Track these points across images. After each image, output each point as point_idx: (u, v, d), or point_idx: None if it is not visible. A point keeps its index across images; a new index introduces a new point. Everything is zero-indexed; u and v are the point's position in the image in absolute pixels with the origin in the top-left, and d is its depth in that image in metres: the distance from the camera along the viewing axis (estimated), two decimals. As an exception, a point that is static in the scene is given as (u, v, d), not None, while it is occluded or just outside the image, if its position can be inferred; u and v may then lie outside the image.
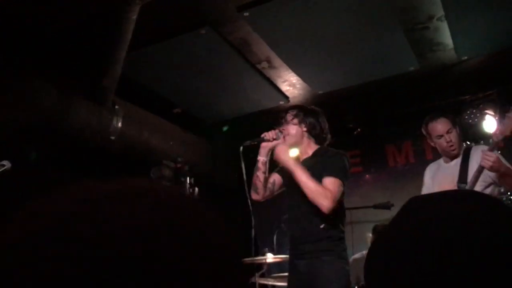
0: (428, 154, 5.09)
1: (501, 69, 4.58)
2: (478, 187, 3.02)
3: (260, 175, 3.08)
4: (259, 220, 6.04)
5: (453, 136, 3.22)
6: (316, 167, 2.94)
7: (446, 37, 3.99)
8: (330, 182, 2.81)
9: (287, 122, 3.12)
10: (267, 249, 4.49)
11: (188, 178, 3.57)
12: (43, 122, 3.51)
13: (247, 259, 4.38)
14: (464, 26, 3.74)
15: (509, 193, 4.19)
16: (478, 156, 3.10)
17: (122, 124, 4.03)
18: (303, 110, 3.16)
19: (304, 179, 2.80)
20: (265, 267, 4.39)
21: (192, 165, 3.96)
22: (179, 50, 3.85)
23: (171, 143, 4.59)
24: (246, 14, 3.36)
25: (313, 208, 2.83)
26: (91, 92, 3.74)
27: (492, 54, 4.33)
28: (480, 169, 2.91)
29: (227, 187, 5.42)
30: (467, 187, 3.05)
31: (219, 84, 4.44)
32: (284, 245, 4.11)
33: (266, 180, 3.09)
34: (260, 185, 3.08)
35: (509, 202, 4.23)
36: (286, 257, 4.13)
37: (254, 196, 3.11)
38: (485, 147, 3.19)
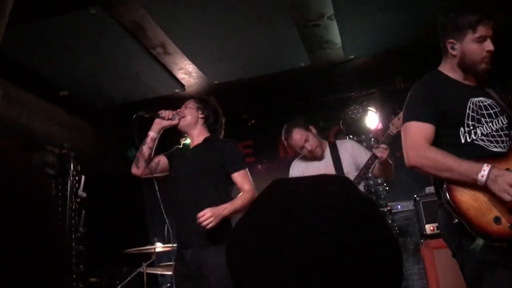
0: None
1: (384, 69, 4.94)
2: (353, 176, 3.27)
3: (146, 150, 3.02)
4: (152, 209, 5.96)
5: (312, 142, 3.47)
6: (211, 154, 2.98)
7: (335, 35, 4.21)
8: (241, 176, 2.95)
9: (185, 107, 3.13)
10: (156, 238, 4.43)
11: (73, 165, 3.37)
12: None
13: (133, 249, 4.28)
14: (352, 26, 3.97)
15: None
16: (347, 147, 3.49)
17: (-1, 104, 3.68)
18: (203, 100, 3.19)
19: (238, 205, 2.86)
20: (153, 257, 4.33)
21: (79, 151, 3.74)
22: (66, 29, 3.60)
23: (56, 127, 4.30)
24: (140, -4, 3.25)
25: (201, 197, 2.85)
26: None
27: (376, 55, 4.65)
28: (373, 160, 3.16)
29: (116, 174, 5.23)
30: (351, 178, 3.27)
31: (110, 68, 4.25)
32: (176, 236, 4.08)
33: (150, 156, 3.04)
34: (142, 160, 3.02)
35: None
36: (175, 246, 4.12)
37: (134, 170, 3.05)
38: (350, 140, 3.54)
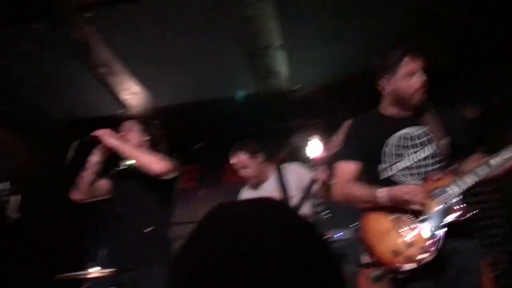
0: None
1: (328, 100, 5.09)
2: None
3: (87, 175, 2.91)
4: (88, 231, 5.72)
5: (250, 171, 3.50)
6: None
7: (282, 65, 4.31)
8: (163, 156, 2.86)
9: (130, 130, 3.05)
10: (91, 263, 4.24)
11: (3, 184, 3.20)
12: None
13: (66, 274, 4.08)
14: (299, 57, 4.08)
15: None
16: (293, 170, 3.52)
17: None
18: (146, 121, 3.13)
19: (135, 151, 2.81)
20: (88, 283, 4.14)
21: (13, 169, 3.57)
22: (9, 42, 3.47)
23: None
24: (88, 14, 3.19)
25: (140, 213, 2.79)
26: None
27: (321, 86, 4.80)
28: (312, 183, 3.19)
29: (52, 193, 5.00)
30: (296, 201, 3.32)
31: (52, 84, 4.11)
32: (111, 258, 3.93)
33: (92, 181, 2.94)
34: (85, 185, 2.90)
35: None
36: (112, 271, 3.96)
37: (75, 196, 2.93)
38: (297, 164, 3.60)
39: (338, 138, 3.07)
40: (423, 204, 2.19)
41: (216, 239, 0.68)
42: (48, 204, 4.98)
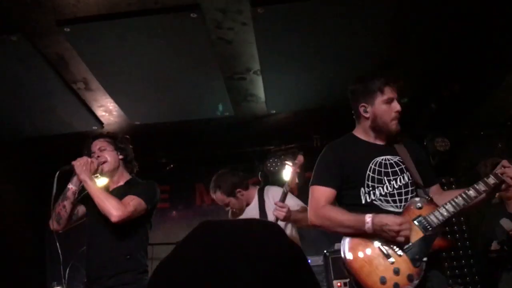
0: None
1: (303, 127, 5.15)
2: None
3: (67, 205, 2.85)
4: (51, 251, 5.55)
5: (232, 205, 3.57)
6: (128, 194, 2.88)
7: (259, 90, 4.35)
8: (130, 198, 2.79)
9: (103, 149, 2.99)
10: (55, 282, 4.12)
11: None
12: None
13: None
14: (276, 82, 4.13)
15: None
16: (272, 195, 3.52)
17: None
18: (116, 138, 3.09)
19: (98, 191, 2.75)
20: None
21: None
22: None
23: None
24: (66, 29, 3.17)
25: (116, 238, 2.73)
26: None
27: (297, 112, 4.86)
28: (276, 219, 3.17)
29: (16, 212, 4.87)
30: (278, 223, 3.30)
31: (26, 99, 4.03)
32: (79, 278, 3.82)
33: (72, 211, 2.88)
34: (65, 215, 2.85)
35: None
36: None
37: (55, 226, 2.86)
38: (276, 187, 3.60)
39: (291, 177, 3.11)
40: (407, 238, 2.22)
41: (192, 263, 0.66)
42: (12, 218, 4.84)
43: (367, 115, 2.50)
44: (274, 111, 4.77)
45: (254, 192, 3.64)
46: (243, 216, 3.57)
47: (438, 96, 4.56)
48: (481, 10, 3.37)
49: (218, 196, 3.55)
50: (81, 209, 2.99)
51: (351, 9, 3.17)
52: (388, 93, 2.45)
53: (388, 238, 2.21)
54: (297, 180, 3.20)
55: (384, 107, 2.45)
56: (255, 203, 3.58)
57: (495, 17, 3.44)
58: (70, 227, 2.95)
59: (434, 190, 2.55)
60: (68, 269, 4.38)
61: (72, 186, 2.87)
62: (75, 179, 2.87)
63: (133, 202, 2.77)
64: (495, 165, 2.42)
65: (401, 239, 2.19)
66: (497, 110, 4.82)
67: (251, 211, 3.55)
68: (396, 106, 2.45)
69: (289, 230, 3.42)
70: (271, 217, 3.43)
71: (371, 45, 3.59)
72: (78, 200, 2.97)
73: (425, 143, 5.01)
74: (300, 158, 3.21)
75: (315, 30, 3.37)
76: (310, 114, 4.84)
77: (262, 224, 0.76)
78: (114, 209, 2.67)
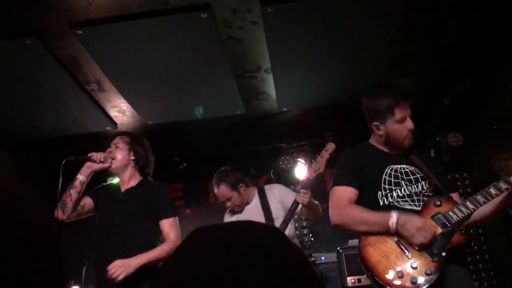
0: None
1: (314, 124, 5.15)
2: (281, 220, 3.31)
3: (73, 194, 2.90)
4: (68, 248, 5.64)
5: (234, 201, 3.58)
6: (147, 197, 2.91)
7: (270, 88, 4.36)
8: (169, 224, 2.87)
9: (116, 147, 3.05)
10: (73, 281, 4.18)
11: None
12: None
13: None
14: (287, 80, 4.14)
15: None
16: (276, 191, 3.52)
17: None
18: (134, 139, 3.12)
19: (153, 257, 2.74)
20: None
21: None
22: (-3, 57, 3.47)
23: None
24: (79, 32, 3.21)
25: (128, 235, 2.77)
26: None
27: (308, 109, 4.86)
28: (296, 205, 3.20)
29: (31, 212, 4.94)
30: (276, 223, 3.32)
31: (41, 100, 4.10)
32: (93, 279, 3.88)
33: (78, 201, 2.92)
34: (70, 204, 2.89)
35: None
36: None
37: (60, 215, 2.92)
38: (279, 185, 3.63)
39: (321, 161, 3.11)
40: (429, 242, 2.21)
41: (188, 271, 0.65)
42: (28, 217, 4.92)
43: (380, 133, 2.54)
44: (286, 109, 4.78)
45: (254, 192, 3.67)
46: (242, 215, 3.59)
47: (451, 91, 4.53)
48: (493, 4, 3.34)
49: (221, 189, 3.55)
50: (88, 203, 3.02)
51: (361, 5, 3.17)
52: (400, 113, 2.46)
53: (407, 236, 2.22)
54: (324, 168, 3.20)
55: (397, 126, 2.47)
56: (255, 202, 3.60)
57: (507, 11, 3.41)
58: (77, 220, 2.98)
59: (454, 198, 2.55)
60: (85, 269, 4.47)
61: (80, 176, 2.93)
62: (84, 169, 2.93)
63: (173, 229, 2.86)
64: (508, 159, 2.41)
65: (418, 240, 2.19)
66: (510, 105, 4.77)
67: (251, 210, 3.57)
68: (408, 124, 2.46)
69: (292, 228, 3.44)
70: (275, 212, 3.46)
71: (382, 41, 3.58)
72: (89, 194, 3.03)
73: (437, 139, 4.98)
74: (332, 145, 3.22)
75: (325, 28, 3.37)
76: (321, 111, 4.84)
77: (263, 227, 0.74)
78: (170, 252, 2.72)
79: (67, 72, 3.77)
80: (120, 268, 2.57)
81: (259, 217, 3.43)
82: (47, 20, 3.15)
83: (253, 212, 3.53)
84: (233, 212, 3.67)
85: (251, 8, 3.19)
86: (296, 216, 3.40)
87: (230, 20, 3.31)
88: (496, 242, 4.98)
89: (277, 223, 3.32)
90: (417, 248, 2.22)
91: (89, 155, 2.97)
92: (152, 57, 3.60)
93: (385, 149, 2.58)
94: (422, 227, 2.19)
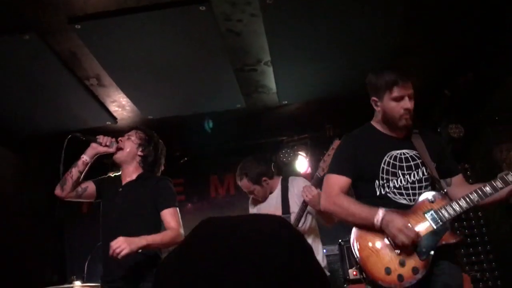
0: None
1: (315, 117, 5.14)
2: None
3: (75, 172, 2.91)
4: (70, 243, 5.65)
5: (257, 193, 3.56)
6: (144, 191, 2.90)
7: (270, 81, 4.35)
8: (170, 213, 2.83)
9: (128, 138, 3.04)
10: (75, 276, 4.19)
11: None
12: None
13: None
14: (287, 73, 4.12)
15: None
16: (297, 185, 3.48)
17: None
18: (149, 137, 3.10)
19: (157, 239, 2.71)
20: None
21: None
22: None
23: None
24: (77, 26, 3.20)
25: (128, 228, 2.76)
26: None
27: (309, 102, 4.84)
28: (304, 203, 3.19)
29: (36, 205, 4.95)
30: (292, 217, 3.31)
31: (41, 96, 4.09)
32: (98, 272, 3.88)
33: (78, 180, 2.92)
34: (70, 182, 2.90)
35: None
36: (97, 285, 3.91)
37: (58, 192, 2.93)
38: (302, 179, 3.61)
39: (328, 160, 3.10)
40: (410, 243, 2.21)
41: (203, 256, 0.65)
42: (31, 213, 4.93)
43: (378, 109, 2.52)
44: (286, 102, 4.76)
45: (277, 181, 3.67)
46: (265, 204, 3.60)
47: (452, 83, 4.51)
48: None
49: (244, 183, 3.57)
50: (91, 188, 3.01)
51: (361, -3, 3.15)
52: (397, 91, 2.41)
53: (390, 236, 2.23)
54: None
55: (392, 104, 2.43)
56: (277, 191, 3.60)
57: (509, 3, 3.39)
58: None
59: (457, 181, 2.53)
60: (87, 264, 4.47)
61: (84, 156, 2.93)
62: (89, 150, 2.94)
63: (174, 219, 2.82)
64: (510, 150, 2.40)
65: (399, 241, 2.19)
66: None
67: (273, 200, 3.58)
68: (405, 103, 2.42)
69: (309, 222, 3.42)
70: (293, 206, 3.45)
71: (384, 34, 3.56)
72: (94, 180, 3.03)
73: (439, 130, 4.97)
74: (338, 143, 3.21)
75: (325, 19, 3.35)
76: (322, 104, 4.83)
77: (269, 223, 0.74)
78: (176, 240, 2.71)
79: (66, 68, 3.76)
80: (123, 243, 2.52)
81: (278, 210, 3.44)
82: (46, 15, 3.14)
83: (273, 204, 3.55)
84: (256, 201, 3.70)
85: (250, 0, 3.17)
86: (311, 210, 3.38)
87: (229, 13, 3.29)
88: (498, 232, 4.97)
89: (293, 217, 3.33)
90: (398, 250, 2.22)
91: (96, 137, 2.97)
92: (151, 51, 3.58)
93: (386, 131, 2.54)
94: (403, 228, 2.19)
